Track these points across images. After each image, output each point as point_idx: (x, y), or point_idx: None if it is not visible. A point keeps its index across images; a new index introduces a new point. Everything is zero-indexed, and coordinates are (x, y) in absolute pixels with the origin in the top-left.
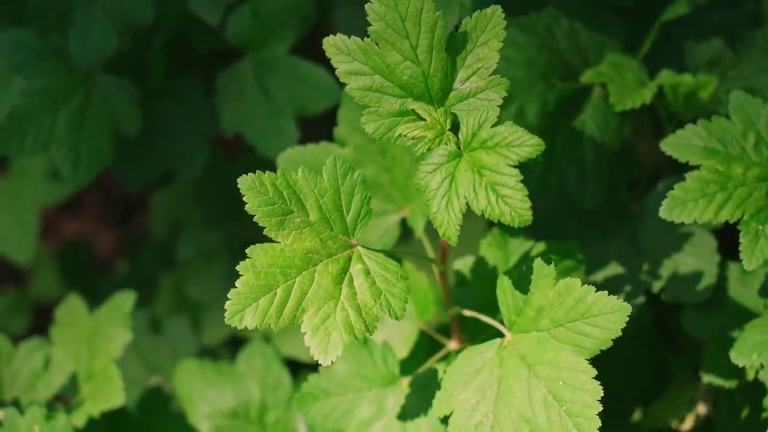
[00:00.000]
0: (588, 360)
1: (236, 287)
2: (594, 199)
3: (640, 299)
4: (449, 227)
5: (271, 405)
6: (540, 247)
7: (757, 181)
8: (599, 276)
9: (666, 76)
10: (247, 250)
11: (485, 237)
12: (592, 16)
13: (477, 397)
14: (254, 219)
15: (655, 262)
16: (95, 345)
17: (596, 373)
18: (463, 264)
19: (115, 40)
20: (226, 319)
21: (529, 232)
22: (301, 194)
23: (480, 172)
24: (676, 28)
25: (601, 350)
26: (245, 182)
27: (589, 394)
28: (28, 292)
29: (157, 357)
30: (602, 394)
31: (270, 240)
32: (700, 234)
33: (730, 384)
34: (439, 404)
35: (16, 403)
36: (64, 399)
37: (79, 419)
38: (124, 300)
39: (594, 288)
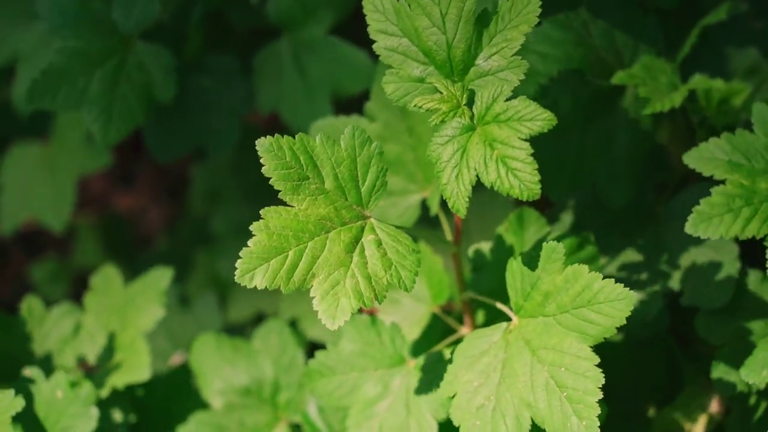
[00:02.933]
0: (592, 348)
1: (248, 246)
2: (624, 197)
3: (659, 301)
4: (458, 199)
5: (284, 385)
6: (555, 236)
7: None
8: (620, 275)
9: (698, 81)
10: (261, 212)
11: (502, 224)
12: (629, 16)
13: (480, 379)
14: (270, 182)
15: (676, 265)
16: (127, 317)
17: (599, 360)
18: (478, 250)
19: (158, 8)
20: (236, 277)
21: (550, 225)
22: (317, 161)
23: (491, 145)
24: (717, 34)
25: (613, 345)
26: (263, 144)
27: (591, 381)
28: (70, 261)
29: (183, 332)
30: (603, 382)
31: (285, 204)
32: (722, 239)
33: (740, 391)
34: (444, 385)
35: (44, 366)
36: (92, 366)
37: (104, 389)
38: (161, 276)
39: (601, 275)
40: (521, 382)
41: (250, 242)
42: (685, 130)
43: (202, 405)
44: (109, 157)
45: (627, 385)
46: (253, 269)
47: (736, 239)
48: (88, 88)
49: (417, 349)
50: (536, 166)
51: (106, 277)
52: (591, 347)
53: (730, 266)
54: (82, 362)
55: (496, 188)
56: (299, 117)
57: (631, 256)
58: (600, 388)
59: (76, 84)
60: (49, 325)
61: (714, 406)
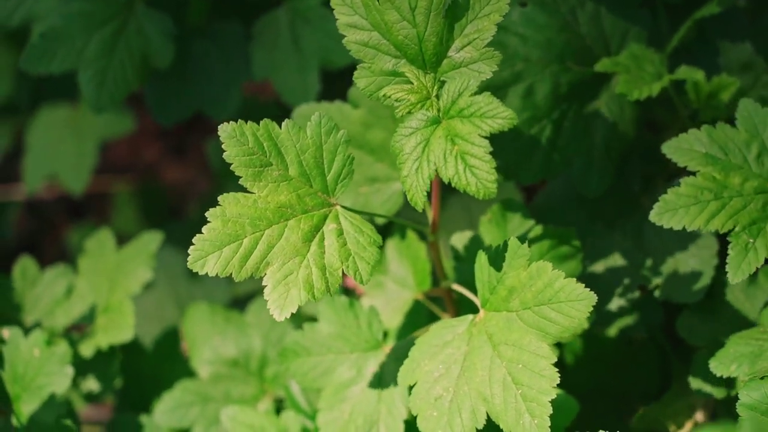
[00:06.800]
0: (550, 345)
1: (202, 233)
2: (598, 188)
3: (637, 295)
4: (416, 192)
5: (272, 359)
6: (538, 229)
7: (755, 193)
8: (600, 267)
9: (682, 72)
10: (219, 198)
11: (485, 214)
12: (619, 4)
13: (441, 370)
14: (231, 168)
15: (656, 258)
16: (116, 279)
17: (556, 359)
18: (460, 239)
19: None
20: (188, 264)
21: (534, 217)
22: (282, 147)
23: (453, 140)
24: (714, 28)
25: (606, 342)
26: (225, 130)
27: (546, 380)
28: (108, 227)
29: (192, 302)
30: (558, 381)
31: (245, 190)
32: (703, 236)
33: (718, 393)
34: (405, 373)
35: (35, 327)
36: (82, 328)
37: (88, 349)
38: (151, 240)
39: (563, 273)
40: (480, 376)
41: (204, 229)
42: (679, 124)
43: (192, 372)
44: (131, 122)
45: (619, 382)
46: (205, 256)
47: (717, 235)
48: (85, 50)
49: (400, 334)
50: (494, 164)
51: (100, 241)
52: (553, 344)
53: (708, 263)
54: (72, 323)
55: (453, 184)
56: (289, 87)
57: (613, 249)
58: (554, 386)
59: (74, 45)
60: (42, 287)
61: (700, 406)
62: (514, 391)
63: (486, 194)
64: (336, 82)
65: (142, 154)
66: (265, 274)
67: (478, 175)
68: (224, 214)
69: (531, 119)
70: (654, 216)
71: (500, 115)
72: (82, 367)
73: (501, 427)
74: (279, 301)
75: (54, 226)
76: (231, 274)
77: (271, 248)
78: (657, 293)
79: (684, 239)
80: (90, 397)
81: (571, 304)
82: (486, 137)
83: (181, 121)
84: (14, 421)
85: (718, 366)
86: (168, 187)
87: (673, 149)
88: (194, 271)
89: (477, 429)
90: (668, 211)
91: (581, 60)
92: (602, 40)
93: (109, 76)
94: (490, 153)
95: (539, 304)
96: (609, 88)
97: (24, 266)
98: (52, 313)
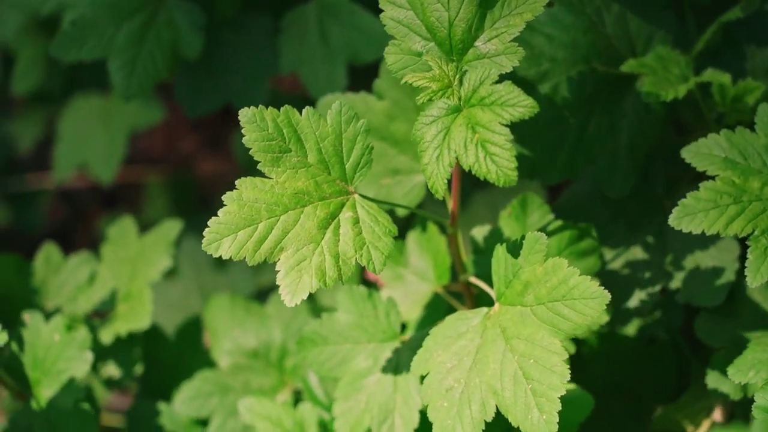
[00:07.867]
0: (562, 341)
1: (218, 216)
2: (622, 189)
3: (658, 296)
4: (437, 180)
5: (292, 350)
6: (557, 224)
7: None
8: (621, 267)
9: (709, 75)
10: (237, 182)
11: (505, 208)
12: (645, 6)
13: (453, 361)
14: (249, 152)
15: (677, 261)
16: (137, 267)
17: (567, 356)
18: (480, 232)
19: None
20: (203, 245)
21: (556, 213)
22: (302, 134)
23: (474, 128)
24: (740, 32)
25: (625, 341)
26: (246, 115)
27: (557, 376)
28: (139, 217)
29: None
30: (569, 378)
31: (262, 175)
32: (725, 239)
33: (735, 394)
34: (418, 363)
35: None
36: (104, 315)
37: (108, 336)
38: (171, 227)
39: (578, 270)
40: (491, 369)
41: (219, 212)
42: (705, 126)
43: (212, 362)
44: (161, 113)
45: (634, 381)
46: (220, 239)
47: (739, 239)
48: (115, 39)
49: (418, 327)
50: (514, 152)
51: (123, 228)
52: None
53: (729, 267)
54: (94, 310)
55: (474, 172)
56: (316, 81)
57: (635, 249)
58: (565, 383)
59: (104, 34)
60: (66, 273)
61: (718, 408)
62: (525, 385)
63: (506, 182)
64: (362, 78)
65: (177, 145)
66: (279, 259)
67: (499, 162)
68: (241, 198)
69: (556, 119)
70: (673, 220)
71: (521, 104)
72: (103, 353)
73: (510, 420)
74: (291, 287)
75: (86, 216)
76: (245, 257)
77: (286, 234)
78: (678, 296)
79: (706, 242)
80: (111, 384)
81: (584, 301)
82: (507, 125)
83: (210, 113)
84: (33, 405)
85: (736, 373)
86: (201, 178)
87: (693, 154)
88: (209, 253)
89: (486, 421)
90: (687, 216)
91: (607, 61)
92: (628, 42)
93: (138, 65)
94: (511, 141)
95: (553, 300)
96: (634, 89)
97: (48, 253)
98: (74, 299)
